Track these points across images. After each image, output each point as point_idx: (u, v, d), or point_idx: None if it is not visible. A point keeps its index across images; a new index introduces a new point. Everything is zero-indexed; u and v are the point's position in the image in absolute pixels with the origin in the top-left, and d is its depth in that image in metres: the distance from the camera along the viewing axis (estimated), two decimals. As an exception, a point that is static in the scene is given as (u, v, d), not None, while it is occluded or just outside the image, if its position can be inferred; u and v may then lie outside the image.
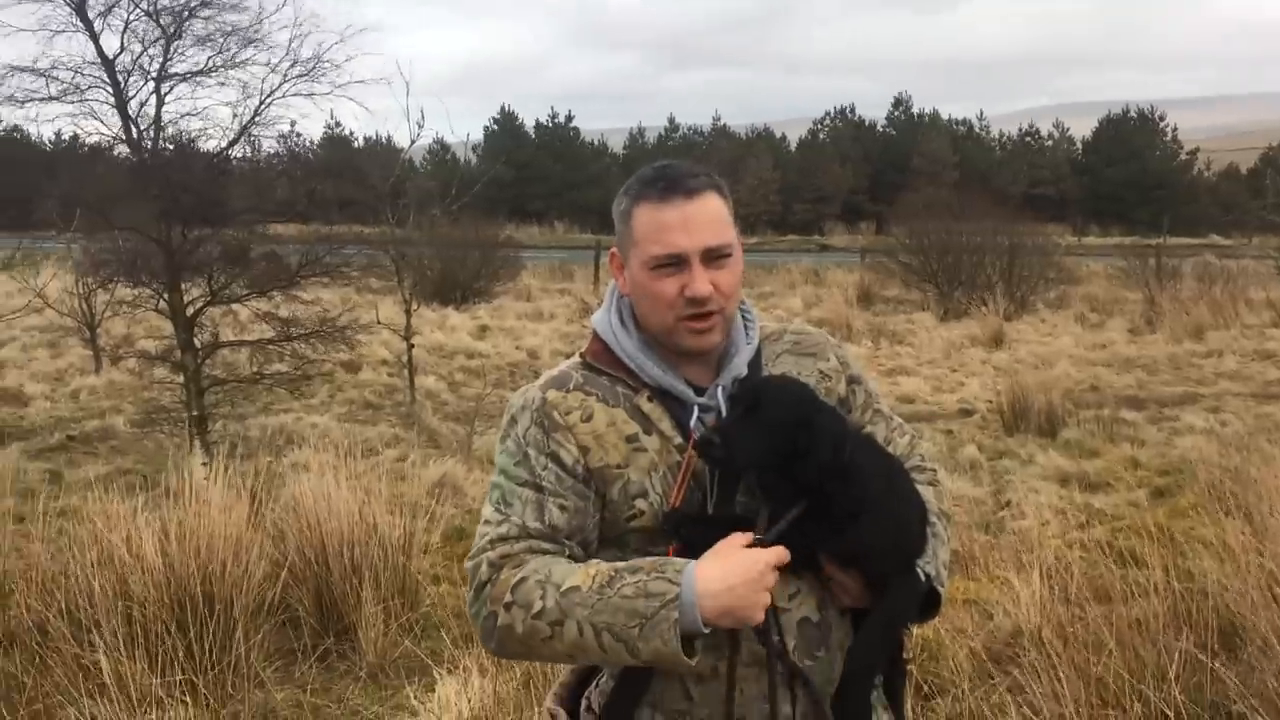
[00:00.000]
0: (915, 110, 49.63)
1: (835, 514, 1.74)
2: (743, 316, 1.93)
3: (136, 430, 10.07)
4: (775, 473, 1.75)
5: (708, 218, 1.80)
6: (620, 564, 1.72)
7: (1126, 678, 3.65)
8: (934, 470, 2.05)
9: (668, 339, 1.84)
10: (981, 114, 50.92)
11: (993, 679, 4.17)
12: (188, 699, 3.98)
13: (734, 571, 1.66)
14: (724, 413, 1.81)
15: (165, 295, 8.37)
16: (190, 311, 8.40)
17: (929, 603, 1.86)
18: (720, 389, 1.84)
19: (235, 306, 9.34)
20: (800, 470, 1.72)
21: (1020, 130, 50.30)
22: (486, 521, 1.79)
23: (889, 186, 42.19)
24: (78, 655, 4.21)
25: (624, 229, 1.86)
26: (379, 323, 11.75)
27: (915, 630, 4.60)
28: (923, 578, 1.83)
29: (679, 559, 1.70)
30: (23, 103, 7.82)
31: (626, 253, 1.87)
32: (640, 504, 1.78)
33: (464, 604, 4.90)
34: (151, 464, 8.53)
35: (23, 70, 7.71)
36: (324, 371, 11.08)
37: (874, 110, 52.50)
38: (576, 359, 1.92)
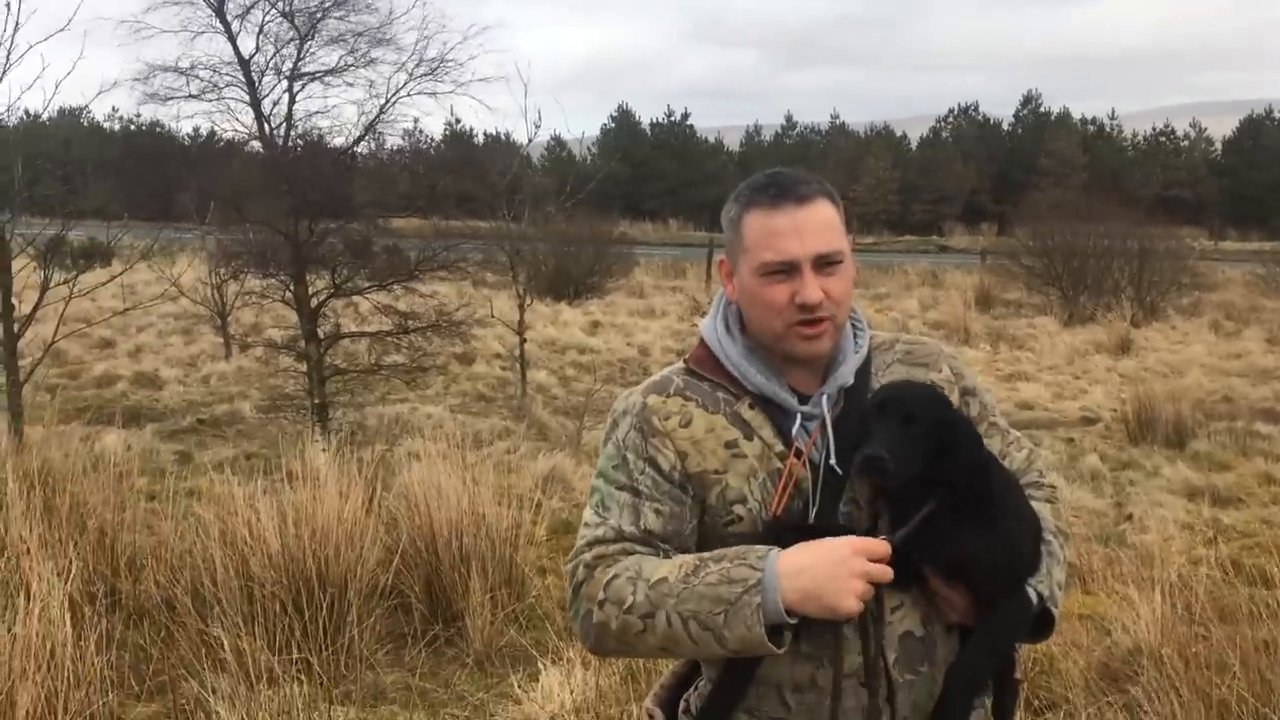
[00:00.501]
0: (1043, 108, 48.21)
1: (972, 514, 1.71)
2: (853, 325, 1.90)
3: (262, 415, 10.46)
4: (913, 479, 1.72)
5: (819, 224, 1.79)
6: (706, 554, 1.72)
7: (1251, 702, 3.50)
8: (1053, 487, 1.97)
9: (777, 345, 1.82)
10: (1113, 113, 49.16)
11: (1108, 697, 4.03)
12: (303, 677, 4.12)
13: (816, 555, 1.66)
14: (828, 420, 1.79)
15: (291, 287, 8.67)
16: (315, 303, 8.69)
17: (1041, 623, 1.80)
18: (825, 397, 1.82)
19: (355, 299, 9.63)
20: (942, 470, 1.70)
21: (1154, 130, 48.35)
22: (586, 525, 1.82)
23: (1013, 186, 41.11)
24: (201, 631, 4.40)
25: (734, 236, 1.85)
26: (493, 317, 11.97)
27: (1028, 647, 4.50)
28: (1034, 597, 1.78)
29: (763, 546, 1.70)
30: (165, 100, 8.21)
31: (736, 260, 1.86)
32: (739, 509, 1.78)
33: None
34: (275, 449, 8.85)
35: (166, 70, 8.10)
36: (439, 364, 11.34)
37: (1000, 108, 51.30)
38: (680, 364, 1.92)
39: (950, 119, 49.09)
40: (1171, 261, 19.67)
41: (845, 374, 1.84)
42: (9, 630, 3.63)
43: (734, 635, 1.64)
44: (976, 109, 49.23)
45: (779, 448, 1.79)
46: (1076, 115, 48.70)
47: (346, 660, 4.50)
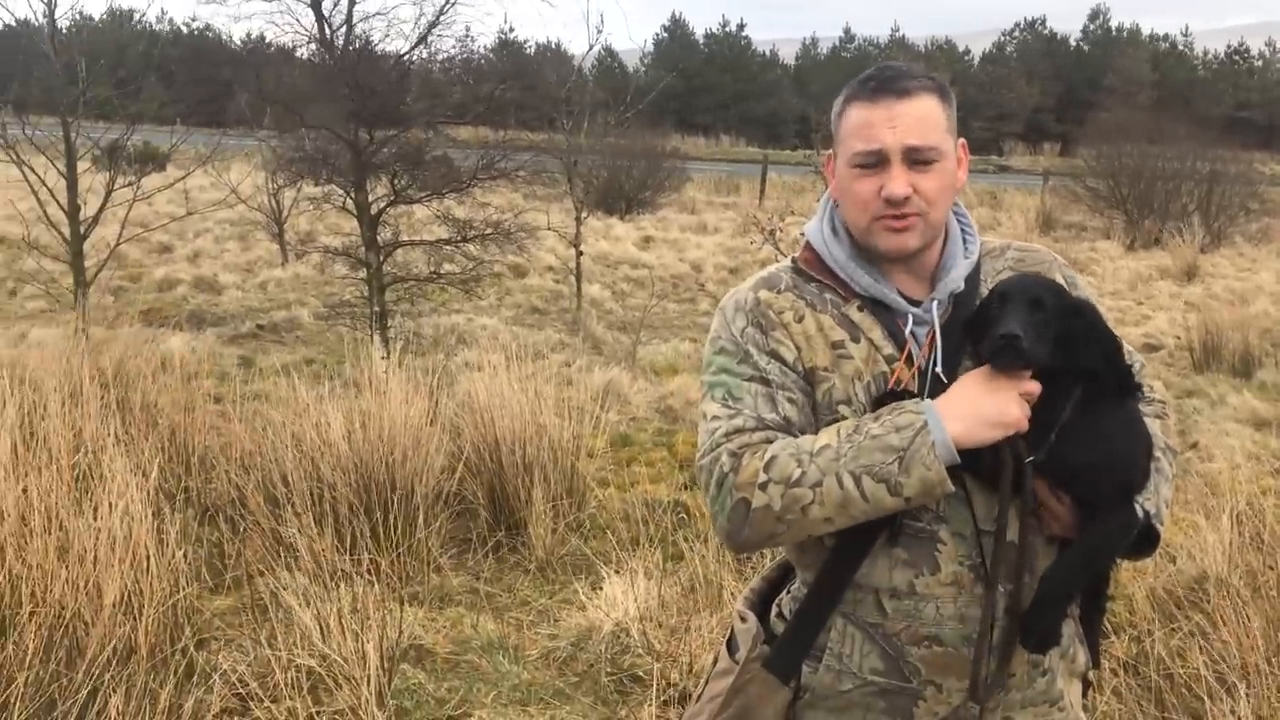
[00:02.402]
0: (1112, 24, 46.59)
1: (1110, 409, 1.71)
2: (963, 230, 1.86)
3: (320, 323, 10.58)
4: (1046, 374, 1.70)
5: (916, 117, 1.74)
6: (859, 417, 1.71)
7: (1325, 633, 3.45)
8: (1163, 403, 1.95)
9: (865, 240, 1.79)
10: (1186, 29, 47.42)
11: (1174, 622, 4.01)
12: (373, 577, 4.21)
13: (964, 386, 1.69)
14: (937, 326, 1.76)
15: (351, 193, 8.67)
16: (374, 210, 8.69)
17: (1147, 540, 1.78)
18: (935, 302, 1.79)
19: (411, 207, 9.61)
20: (1079, 358, 1.69)
21: (1228, 48, 46.60)
22: (715, 418, 1.76)
23: (1079, 105, 39.96)
24: (274, 530, 4.50)
25: (836, 130, 1.82)
26: (549, 228, 11.92)
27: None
28: (1140, 513, 1.75)
29: (910, 400, 1.70)
30: (224, 0, 8.13)
31: (836, 154, 1.83)
32: (843, 410, 1.75)
33: (630, 507, 5.02)
34: (333, 355, 8.96)
35: (227, -31, 8.01)
36: (494, 273, 11.36)
37: (1068, 24, 49.43)
38: (788, 262, 1.89)
39: (1015, 34, 47.63)
40: (1241, 186, 19.11)
41: (956, 279, 1.81)
42: (94, 522, 3.73)
43: (912, 479, 1.62)
44: (1043, 24, 47.70)
45: (888, 350, 1.77)
46: (1146, 32, 47.07)
47: (413, 562, 4.59)
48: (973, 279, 1.83)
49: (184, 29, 42.45)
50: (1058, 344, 1.68)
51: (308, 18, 8.53)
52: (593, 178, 18.76)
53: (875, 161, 1.74)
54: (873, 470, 1.63)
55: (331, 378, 6.17)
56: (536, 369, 6.59)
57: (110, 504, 3.80)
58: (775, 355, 1.78)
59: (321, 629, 3.57)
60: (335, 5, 8.49)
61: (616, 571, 4.36)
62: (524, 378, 5.69)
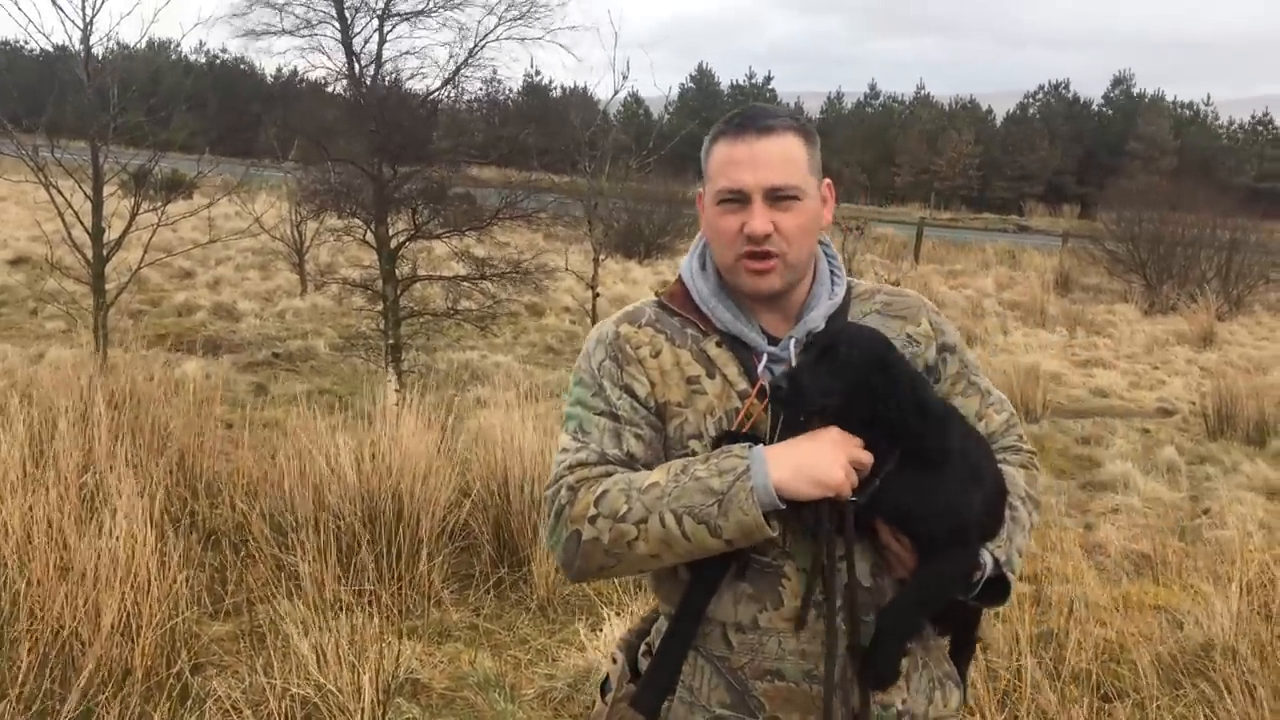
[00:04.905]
0: (1136, 89, 46.84)
1: (924, 461, 1.69)
2: (831, 271, 1.89)
3: (335, 353, 10.64)
4: (859, 424, 1.70)
5: (778, 157, 1.77)
6: (688, 459, 1.72)
7: (1334, 707, 3.40)
8: (1031, 453, 1.96)
9: (730, 279, 1.83)
10: (1209, 98, 47.61)
11: (1179, 689, 3.95)
12: (373, 609, 4.19)
13: (799, 441, 1.69)
14: (793, 364, 1.77)
15: (373, 226, 8.75)
16: (394, 244, 8.77)
17: (999, 589, 1.78)
18: (793, 340, 1.80)
19: (430, 243, 9.68)
20: (882, 413, 1.68)
21: (1253, 118, 46.74)
22: (564, 450, 1.79)
23: (1099, 169, 40.12)
24: (277, 556, 4.49)
25: (705, 166, 1.86)
26: (567, 269, 11.98)
27: (1100, 629, 4.42)
28: (990, 561, 1.75)
29: (740, 444, 1.71)
30: (260, 35, 8.28)
31: (705, 190, 1.86)
32: (694, 445, 1.77)
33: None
34: (347, 385, 9.00)
35: (262, 4, 8.16)
36: (510, 312, 11.41)
37: (1091, 88, 49.76)
38: (653, 298, 1.92)
39: (1039, 95, 47.92)
40: (1261, 255, 19.08)
41: (816, 318, 1.83)
42: (96, 542, 3.73)
43: (730, 522, 1.64)
44: (1066, 87, 48.00)
45: (741, 385, 1.79)
46: (1170, 98, 47.27)
47: (414, 595, 4.57)
48: (837, 319, 1.85)
49: (218, 60, 43.19)
50: (853, 395, 1.68)
51: (338, 54, 8.67)
52: (613, 221, 18.89)
53: (738, 199, 1.77)
54: (693, 511, 1.65)
55: (344, 408, 6.19)
56: (548, 408, 6.61)
57: (114, 525, 3.81)
58: (628, 389, 1.80)
59: (319, 659, 3.55)
60: (366, 44, 8.63)
61: (617, 613, 4.34)
62: (535, 416, 5.70)
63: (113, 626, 3.51)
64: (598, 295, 11.81)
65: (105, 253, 8.33)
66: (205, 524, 5.07)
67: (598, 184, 12.32)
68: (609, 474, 1.74)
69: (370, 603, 4.27)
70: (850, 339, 1.73)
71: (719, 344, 1.82)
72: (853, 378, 1.68)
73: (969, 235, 27.43)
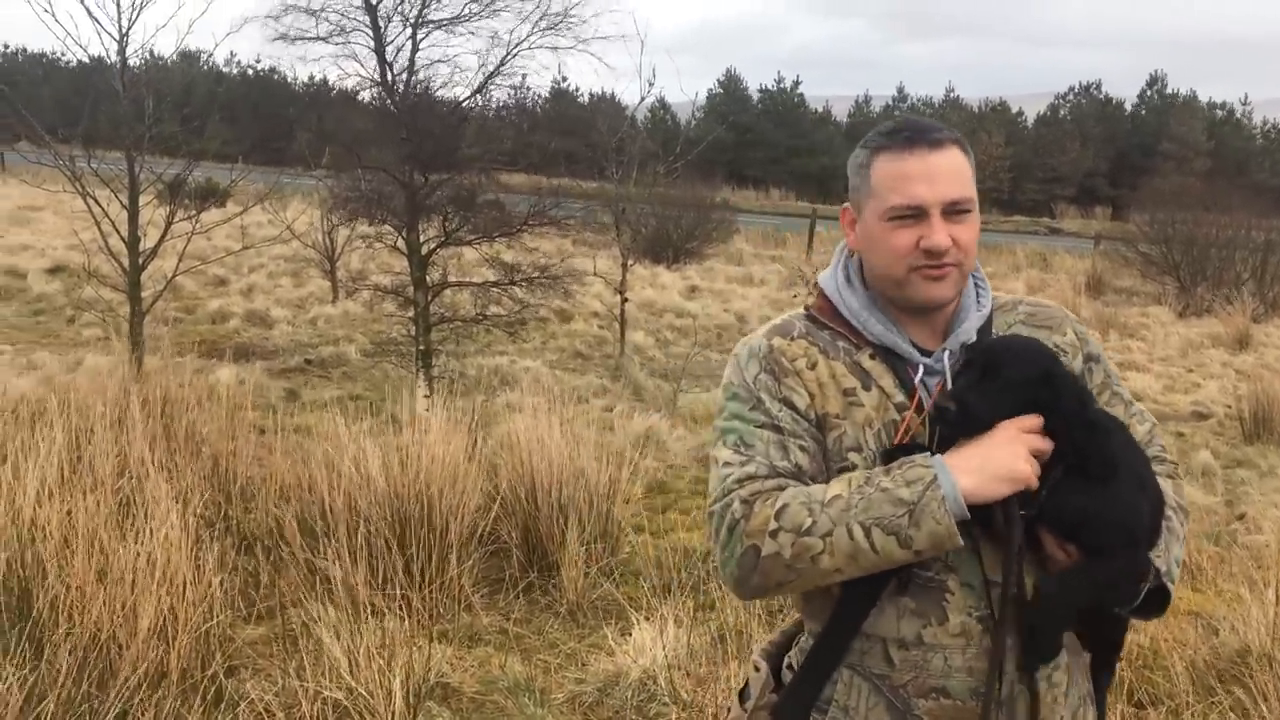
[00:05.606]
0: (1169, 90, 46.33)
1: (1090, 475, 1.67)
2: (975, 283, 1.87)
3: (366, 359, 10.72)
4: None
5: (951, 170, 1.76)
6: (865, 470, 1.71)
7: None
8: (1174, 464, 1.94)
9: (898, 292, 1.80)
10: (1245, 98, 47.01)
11: (1213, 696, 3.91)
12: (404, 613, 4.23)
13: (975, 443, 1.67)
14: (948, 377, 1.76)
15: (404, 234, 8.81)
16: (425, 250, 8.82)
17: (1156, 600, 1.76)
18: (947, 353, 1.79)
19: (461, 249, 9.74)
20: (1047, 427, 1.66)
21: (1288, 117, 46.13)
22: (727, 464, 1.76)
23: (1132, 170, 39.71)
24: (309, 561, 4.54)
25: (860, 181, 1.83)
26: (595, 274, 12.01)
27: (1134, 634, 4.38)
28: (1150, 570, 1.73)
29: (920, 454, 1.69)
30: (294, 40, 8.36)
31: (861, 206, 1.83)
32: (853, 458, 1.75)
33: (663, 554, 5.00)
34: (378, 391, 9.06)
35: (297, 9, 8.24)
36: (539, 317, 11.45)
37: (1123, 88, 49.25)
38: (800, 310, 1.91)
39: (1070, 97, 47.51)
40: (1298, 256, 18.80)
41: (968, 330, 1.81)
42: (134, 546, 3.79)
43: (922, 532, 1.62)
44: (1098, 87, 47.56)
45: (898, 398, 1.77)
46: (1204, 99, 46.74)
47: (444, 600, 4.60)
48: (985, 331, 1.84)
49: (250, 71, 43.64)
50: (1020, 412, 1.67)
51: (371, 62, 8.74)
52: (641, 226, 18.92)
53: (915, 214, 1.75)
54: (883, 523, 1.63)
55: (375, 414, 6.24)
56: (577, 413, 6.64)
57: (151, 529, 3.87)
58: (788, 402, 1.78)
59: (350, 662, 3.59)
60: (399, 51, 8.69)
61: (647, 618, 4.34)
62: (564, 421, 5.72)
63: (149, 630, 3.56)
64: (626, 300, 11.84)
65: (141, 261, 8.45)
66: (239, 528, 5.12)
67: (625, 189, 12.34)
68: (781, 487, 1.71)
69: (401, 607, 4.31)
70: (1015, 355, 1.72)
71: (872, 356, 1.81)
72: (1020, 395, 1.67)
73: (999, 238, 27.21)
